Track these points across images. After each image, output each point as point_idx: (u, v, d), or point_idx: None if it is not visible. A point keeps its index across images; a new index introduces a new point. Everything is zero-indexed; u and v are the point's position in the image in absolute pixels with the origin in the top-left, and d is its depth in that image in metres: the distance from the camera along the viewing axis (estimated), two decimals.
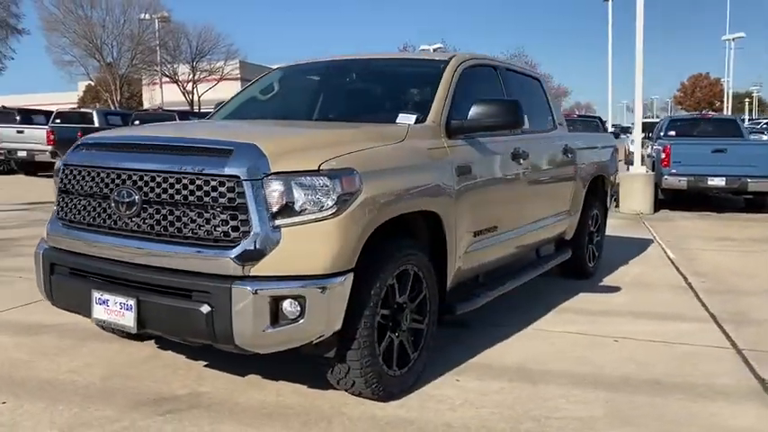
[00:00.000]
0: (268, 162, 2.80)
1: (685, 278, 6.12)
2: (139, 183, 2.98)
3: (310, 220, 2.80)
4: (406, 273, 3.28)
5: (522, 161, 4.47)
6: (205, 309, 2.77)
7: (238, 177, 2.78)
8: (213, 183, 2.81)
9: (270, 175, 2.78)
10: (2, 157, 18.24)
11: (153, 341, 3.99)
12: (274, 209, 2.78)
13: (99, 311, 3.08)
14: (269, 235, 2.77)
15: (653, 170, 11.75)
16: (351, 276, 2.88)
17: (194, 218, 2.86)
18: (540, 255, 5.56)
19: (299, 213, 2.81)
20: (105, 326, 3.65)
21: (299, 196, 2.81)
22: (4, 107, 21.46)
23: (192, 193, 2.85)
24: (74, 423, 2.97)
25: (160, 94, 36.65)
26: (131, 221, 3.01)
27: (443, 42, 49.55)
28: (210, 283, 2.78)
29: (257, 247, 2.76)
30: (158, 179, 2.93)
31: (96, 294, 3.08)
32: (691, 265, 6.71)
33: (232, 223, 2.79)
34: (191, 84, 43.99)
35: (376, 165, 3.09)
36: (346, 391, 3.20)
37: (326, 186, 2.82)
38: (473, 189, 3.83)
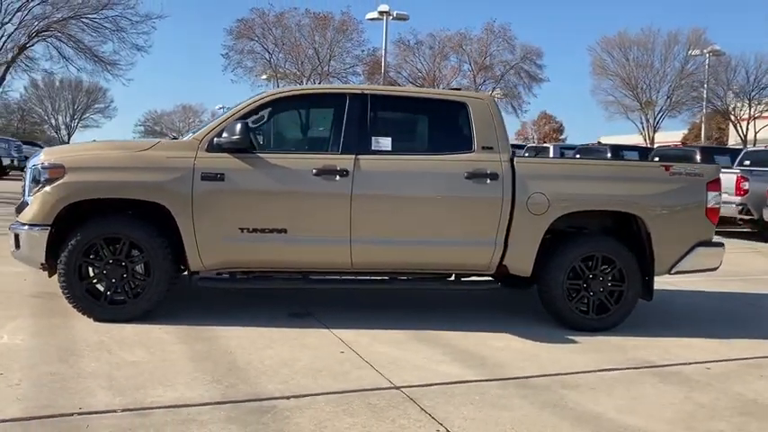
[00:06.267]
0: (41, 158, 4.92)
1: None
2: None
3: (36, 191, 4.79)
4: (118, 240, 4.77)
5: (338, 178, 4.89)
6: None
7: (27, 166, 5.02)
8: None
9: (35, 165, 4.90)
10: None
11: None
12: (32, 184, 4.88)
13: None
14: (26, 198, 4.91)
15: None
16: (48, 229, 4.71)
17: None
18: (455, 277, 5.39)
19: (36, 188, 4.81)
20: None
21: (37, 178, 4.82)
22: (599, 143, 24.69)
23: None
24: None
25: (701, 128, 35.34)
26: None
27: None
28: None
29: (21, 205, 4.94)
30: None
31: None
32: None
33: (25, 190, 5.04)
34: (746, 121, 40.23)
35: (89, 163, 4.78)
36: None
37: (42, 173, 4.76)
38: (228, 192, 4.83)
